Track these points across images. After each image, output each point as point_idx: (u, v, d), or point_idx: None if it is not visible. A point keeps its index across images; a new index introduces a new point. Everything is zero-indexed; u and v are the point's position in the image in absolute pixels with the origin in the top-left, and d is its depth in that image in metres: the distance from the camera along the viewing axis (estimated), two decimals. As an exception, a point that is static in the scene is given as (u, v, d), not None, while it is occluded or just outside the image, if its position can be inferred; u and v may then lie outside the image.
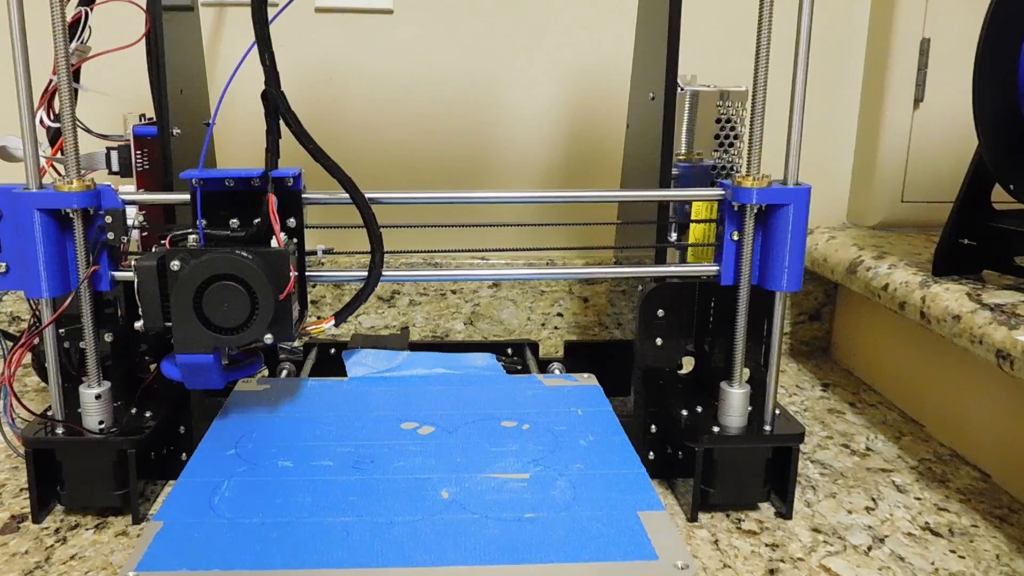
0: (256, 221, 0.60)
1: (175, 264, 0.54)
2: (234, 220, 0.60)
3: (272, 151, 0.58)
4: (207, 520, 0.49)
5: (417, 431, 0.59)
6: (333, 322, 0.64)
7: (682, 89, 0.69)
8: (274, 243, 0.58)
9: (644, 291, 0.68)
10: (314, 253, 0.64)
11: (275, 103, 0.57)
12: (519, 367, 0.82)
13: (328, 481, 0.53)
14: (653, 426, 0.70)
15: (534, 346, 0.87)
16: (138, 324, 0.58)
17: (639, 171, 0.74)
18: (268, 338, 0.56)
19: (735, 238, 0.62)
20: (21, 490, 0.69)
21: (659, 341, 0.68)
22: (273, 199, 0.58)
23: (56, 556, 0.60)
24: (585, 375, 0.71)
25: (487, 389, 0.67)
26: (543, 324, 1.00)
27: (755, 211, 0.61)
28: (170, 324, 0.57)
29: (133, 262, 0.58)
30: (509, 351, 0.86)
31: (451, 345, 0.86)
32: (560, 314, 1.00)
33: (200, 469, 0.54)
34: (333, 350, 0.82)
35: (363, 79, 0.95)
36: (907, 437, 0.81)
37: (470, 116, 0.97)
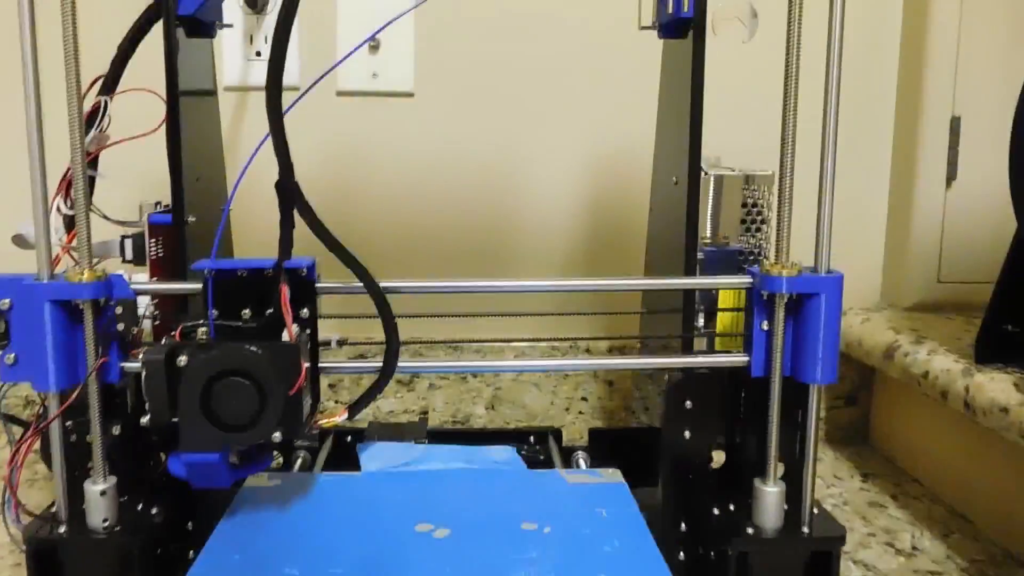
0: (268, 312, 0.58)
1: (182, 359, 0.52)
2: (246, 310, 0.59)
3: (285, 242, 0.57)
4: (208, 635, 0.46)
5: (432, 534, 0.56)
6: (346, 415, 0.61)
7: (706, 173, 0.68)
8: (285, 335, 0.56)
9: (671, 381, 0.65)
10: (328, 344, 0.62)
11: (289, 194, 0.56)
12: (541, 457, 0.79)
13: (337, 594, 0.50)
14: (683, 524, 0.66)
15: (557, 434, 0.84)
16: (145, 419, 0.56)
17: (663, 256, 0.72)
18: (277, 436, 0.53)
19: (765, 328, 0.60)
20: (24, 589, 0.66)
21: (687, 433, 0.65)
22: (286, 290, 0.57)
23: (54, 664, 0.57)
24: (610, 470, 0.67)
25: (507, 486, 0.64)
26: (567, 408, 0.97)
27: (785, 300, 0.58)
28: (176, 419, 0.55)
29: (141, 356, 0.56)
30: (531, 439, 0.83)
31: (471, 433, 0.83)
32: (584, 398, 0.97)
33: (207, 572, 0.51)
34: (349, 438, 0.80)
35: (383, 162, 0.95)
36: (956, 535, 0.76)
37: (491, 200, 0.96)
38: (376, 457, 0.68)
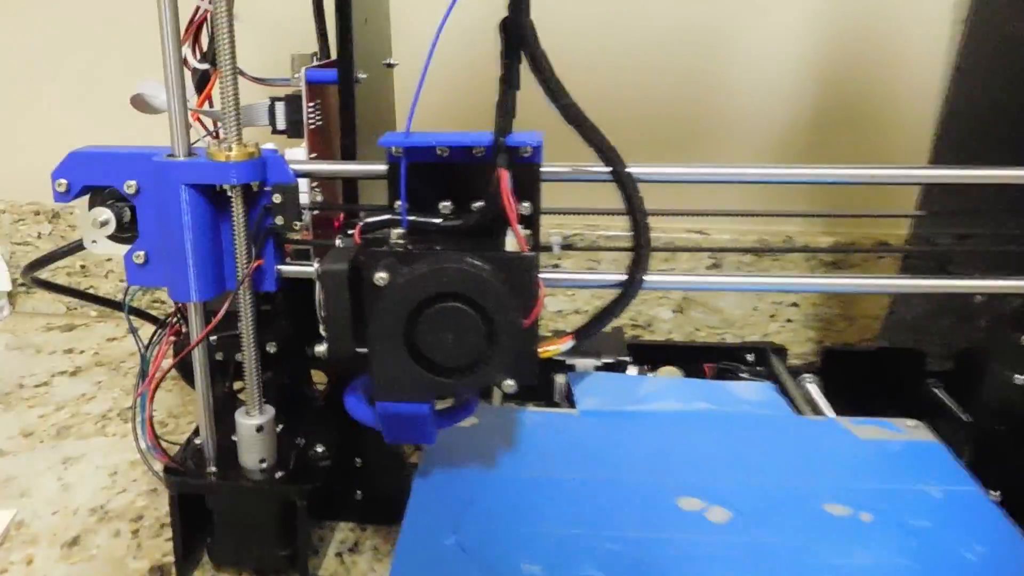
0: (477, 205, 0.42)
1: (381, 277, 0.37)
2: (445, 203, 0.43)
3: (506, 108, 0.40)
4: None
5: (705, 516, 0.41)
6: (571, 342, 0.46)
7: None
8: (510, 241, 0.40)
9: (1007, 308, 0.48)
10: (548, 249, 0.46)
11: (519, 37, 0.39)
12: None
13: (602, 607, 0.36)
14: (996, 491, 0.50)
15: (781, 353, 0.68)
16: (319, 349, 0.42)
17: (982, 139, 0.53)
18: (510, 385, 0.38)
19: None
20: (162, 526, 0.55)
21: (1019, 378, 0.48)
22: (506, 176, 0.40)
23: (209, 635, 0.46)
24: (911, 423, 0.51)
25: (778, 442, 0.48)
26: (772, 316, 0.81)
27: None
28: (364, 351, 0.41)
29: (317, 265, 0.42)
30: (749, 358, 0.68)
31: (677, 348, 0.68)
32: (795, 303, 0.80)
33: (415, 570, 0.38)
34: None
35: (565, 24, 0.76)
36: None
37: (690, 67, 0.76)
38: (592, 391, 0.53)
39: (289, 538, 0.49)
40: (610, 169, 0.42)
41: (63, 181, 0.44)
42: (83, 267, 0.90)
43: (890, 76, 0.73)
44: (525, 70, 0.39)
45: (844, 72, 0.74)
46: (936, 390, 0.61)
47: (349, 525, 0.55)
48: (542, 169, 0.43)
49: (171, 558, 0.51)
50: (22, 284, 0.92)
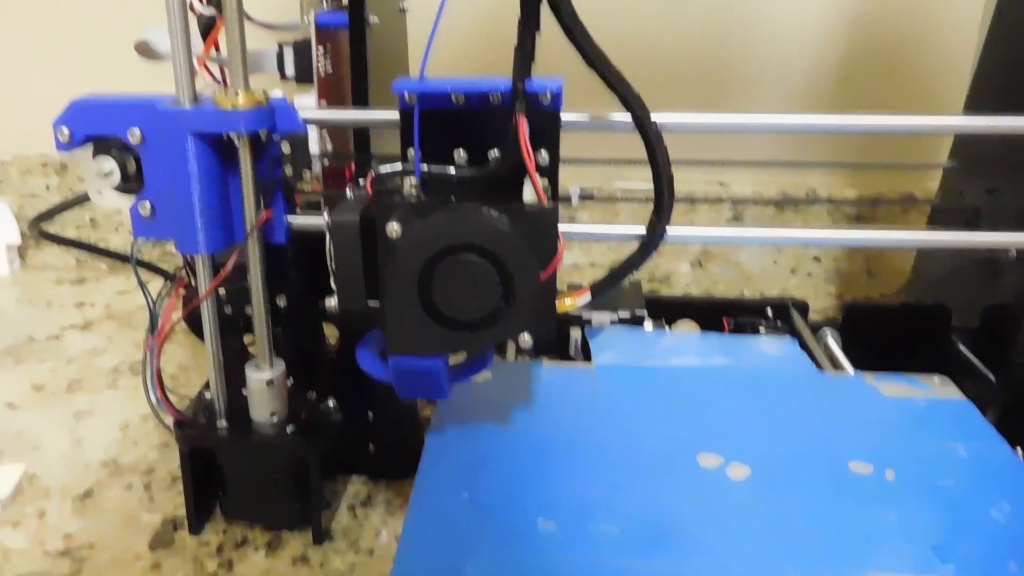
0: (493, 155, 0.41)
1: (394, 229, 0.36)
2: (460, 151, 0.42)
3: (526, 52, 0.39)
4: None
5: (726, 472, 0.40)
6: (587, 296, 0.45)
7: None
8: (528, 192, 0.39)
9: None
10: (567, 200, 0.45)
11: (539, -25, 0.37)
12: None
13: (620, 569, 0.35)
14: (1019, 449, 0.49)
15: (802, 308, 0.66)
16: (330, 302, 0.41)
17: (1018, 90, 0.51)
18: (527, 340, 0.37)
19: None
20: (174, 479, 0.55)
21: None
22: (524, 124, 0.39)
23: (222, 589, 0.46)
24: (937, 379, 0.50)
25: (800, 398, 0.47)
26: (793, 270, 0.79)
27: None
28: (375, 304, 0.40)
29: (328, 215, 0.40)
30: (769, 312, 0.67)
31: (694, 304, 0.67)
32: (817, 257, 0.78)
33: (428, 531, 0.37)
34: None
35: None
36: None
37: (714, 4, 0.74)
38: (609, 346, 0.52)
39: (301, 492, 0.49)
40: (633, 117, 0.40)
41: (65, 130, 0.43)
42: (92, 220, 0.89)
43: (926, 19, 0.70)
44: (546, 12, 0.38)
45: (876, 15, 0.72)
46: (961, 347, 0.60)
47: (361, 479, 0.55)
48: (564, 117, 0.42)
49: (184, 511, 0.50)
50: (31, 237, 0.91)
